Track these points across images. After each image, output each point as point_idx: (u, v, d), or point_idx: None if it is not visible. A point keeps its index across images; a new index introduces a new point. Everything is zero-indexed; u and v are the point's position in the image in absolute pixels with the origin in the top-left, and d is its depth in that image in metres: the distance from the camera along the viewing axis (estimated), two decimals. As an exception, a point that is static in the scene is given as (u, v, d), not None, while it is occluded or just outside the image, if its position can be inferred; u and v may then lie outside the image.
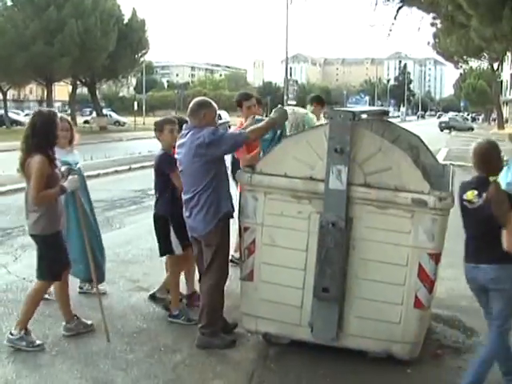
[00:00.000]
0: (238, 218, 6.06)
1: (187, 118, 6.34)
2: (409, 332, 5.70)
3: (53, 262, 6.14)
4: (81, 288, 7.72)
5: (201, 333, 6.18)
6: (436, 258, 5.58)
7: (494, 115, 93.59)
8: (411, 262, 5.56)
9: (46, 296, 6.74)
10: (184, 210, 6.24)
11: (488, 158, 5.28)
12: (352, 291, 5.75)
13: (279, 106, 6.66)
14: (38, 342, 6.13)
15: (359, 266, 5.70)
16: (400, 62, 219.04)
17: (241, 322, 6.32)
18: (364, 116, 6.93)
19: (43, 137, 5.97)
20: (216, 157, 5.99)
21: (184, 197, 6.23)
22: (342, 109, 6.14)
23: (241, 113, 7.83)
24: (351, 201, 5.59)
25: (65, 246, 6.31)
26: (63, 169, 6.43)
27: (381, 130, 7.43)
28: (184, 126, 6.29)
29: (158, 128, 6.96)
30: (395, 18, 36.24)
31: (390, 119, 9.00)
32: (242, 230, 6.02)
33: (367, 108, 17.80)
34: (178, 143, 6.27)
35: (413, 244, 5.53)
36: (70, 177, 6.25)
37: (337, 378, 5.64)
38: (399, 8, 36.21)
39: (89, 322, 6.52)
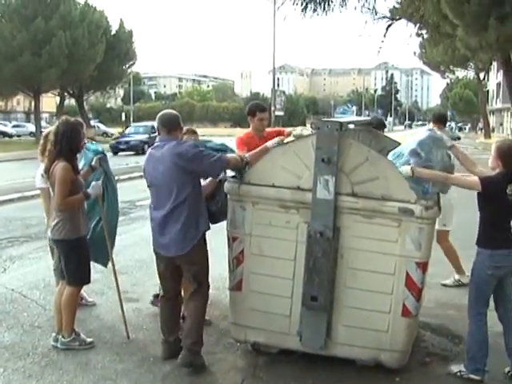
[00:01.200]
0: (227, 228, 6.08)
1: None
2: (397, 340, 5.74)
3: (78, 266, 6.36)
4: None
5: (191, 351, 5.93)
6: (423, 266, 5.63)
7: (481, 124, 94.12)
8: (398, 271, 5.60)
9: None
10: (156, 227, 6.02)
11: None
12: (340, 300, 5.78)
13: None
14: (88, 340, 6.49)
15: (347, 274, 5.74)
16: (387, 72, 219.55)
17: (230, 331, 6.32)
18: (351, 126, 6.98)
19: (66, 145, 6.18)
20: (196, 172, 5.89)
21: (158, 213, 5.98)
22: (329, 119, 6.18)
23: (251, 123, 7.49)
24: (339, 210, 5.64)
25: (88, 251, 6.48)
26: (94, 162, 6.71)
27: (368, 139, 7.50)
28: (158, 139, 6.12)
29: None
30: (385, 36, 36.78)
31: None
32: (230, 240, 6.04)
33: (354, 118, 17.84)
34: (148, 156, 6.12)
35: (400, 253, 5.57)
36: (93, 183, 6.49)
37: (325, 386, 5.68)
38: (389, 26, 36.80)
39: (88, 340, 6.52)
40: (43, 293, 8.19)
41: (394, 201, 5.52)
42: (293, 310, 5.88)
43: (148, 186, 6.12)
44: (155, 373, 5.87)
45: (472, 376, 5.77)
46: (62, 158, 6.13)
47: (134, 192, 16.83)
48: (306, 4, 30.76)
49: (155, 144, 6.10)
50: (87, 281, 6.51)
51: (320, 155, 5.56)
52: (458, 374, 5.85)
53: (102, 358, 6.17)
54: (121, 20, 62.28)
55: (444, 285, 8.77)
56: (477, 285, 5.80)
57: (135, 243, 9.78)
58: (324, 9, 30.12)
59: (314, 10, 31.37)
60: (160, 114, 6.21)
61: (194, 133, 7.31)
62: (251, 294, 5.98)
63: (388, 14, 36.21)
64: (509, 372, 5.85)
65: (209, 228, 6.06)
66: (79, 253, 6.35)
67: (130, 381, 5.65)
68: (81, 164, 6.75)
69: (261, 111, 7.43)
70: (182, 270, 6.06)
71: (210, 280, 6.07)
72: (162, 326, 6.29)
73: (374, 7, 33.19)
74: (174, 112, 6.36)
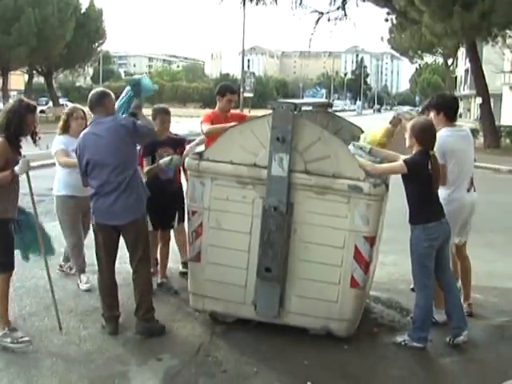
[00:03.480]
0: (186, 202, 6.39)
1: None
2: (345, 310, 6.07)
3: (1, 251, 5.93)
4: (60, 266, 8.05)
5: (144, 319, 6.25)
6: (371, 240, 5.96)
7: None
8: (348, 245, 5.93)
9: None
10: (101, 197, 6.16)
11: (434, 133, 6.13)
12: (293, 271, 6.10)
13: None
14: (24, 338, 5.92)
15: (300, 248, 6.05)
16: (357, 55, 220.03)
17: (188, 301, 6.60)
18: (308, 108, 7.30)
19: (8, 124, 5.96)
20: (138, 141, 6.30)
21: (107, 187, 6.08)
22: (285, 100, 6.48)
23: (219, 102, 7.85)
24: (292, 187, 5.94)
25: (13, 236, 6.06)
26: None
27: (325, 121, 7.82)
28: (93, 118, 6.34)
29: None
30: (314, 29, 37.96)
31: (345, 113, 9.33)
32: (190, 214, 6.33)
33: (311, 100, 18.06)
34: (85, 136, 6.26)
35: (349, 227, 5.90)
36: (20, 160, 5.96)
37: (278, 352, 5.99)
38: (318, 19, 38.05)
39: (24, 338, 5.94)
40: None
41: (344, 178, 5.83)
42: (248, 281, 6.18)
43: (85, 167, 6.19)
44: (117, 338, 6.16)
45: (415, 344, 6.14)
46: (2, 134, 5.96)
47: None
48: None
49: (90, 124, 6.38)
50: (10, 267, 6.01)
51: (275, 134, 5.85)
52: (403, 342, 6.22)
53: (66, 325, 6.41)
54: (91, -2, 61.85)
55: None
56: (417, 260, 6.17)
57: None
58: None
59: None
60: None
61: (168, 113, 7.60)
62: (209, 265, 6.27)
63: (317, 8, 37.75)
64: (450, 340, 6.23)
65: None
66: (1, 236, 5.94)
67: (92, 345, 5.93)
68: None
69: (231, 93, 7.88)
70: (118, 242, 6.36)
71: (171, 254, 6.35)
72: (102, 305, 6.43)
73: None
74: (96, 89, 6.59)
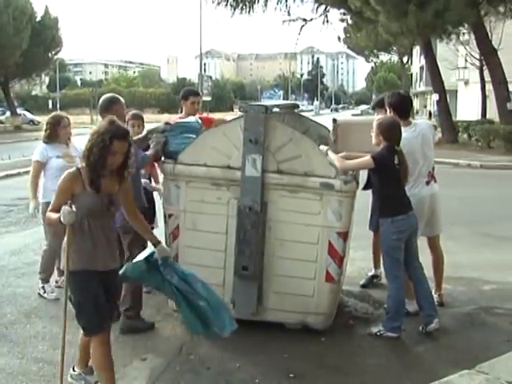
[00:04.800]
0: (163, 205, 6.53)
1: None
2: (322, 304, 6.28)
3: (79, 310, 4.82)
4: (56, 282, 7.97)
5: (125, 316, 6.44)
6: (344, 235, 6.18)
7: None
8: (322, 241, 6.13)
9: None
10: None
11: (400, 130, 6.36)
12: (269, 269, 6.29)
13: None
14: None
15: (275, 245, 6.24)
16: (313, 56, 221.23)
17: (167, 302, 6.72)
18: (276, 109, 7.48)
19: None
20: None
21: None
22: (256, 103, 6.66)
23: (184, 107, 8.04)
24: (266, 186, 6.13)
25: (96, 294, 4.77)
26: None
27: (292, 122, 8.00)
28: None
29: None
30: (299, 34, 39.53)
31: (303, 113, 9.56)
32: (166, 217, 6.47)
33: (279, 102, 18.38)
34: None
35: (322, 224, 6.11)
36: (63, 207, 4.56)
37: (259, 347, 6.15)
38: (302, 26, 39.57)
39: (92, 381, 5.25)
40: None
41: (316, 176, 6.04)
42: (226, 280, 6.35)
43: None
44: (100, 341, 6.27)
45: (390, 334, 6.36)
46: None
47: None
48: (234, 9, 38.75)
49: None
50: (96, 330, 4.83)
51: (248, 136, 6.04)
52: (378, 333, 6.43)
53: (50, 330, 6.53)
54: (46, 6, 61.15)
55: None
56: (387, 252, 6.41)
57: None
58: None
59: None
60: None
61: (139, 118, 7.63)
62: (187, 266, 6.33)
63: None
64: (422, 329, 6.46)
65: (143, 205, 6.52)
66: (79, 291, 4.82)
67: (77, 349, 6.03)
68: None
69: (194, 95, 8.08)
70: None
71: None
72: None
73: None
74: (107, 95, 6.77)
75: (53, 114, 8.16)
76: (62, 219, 4.41)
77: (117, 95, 6.78)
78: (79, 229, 4.67)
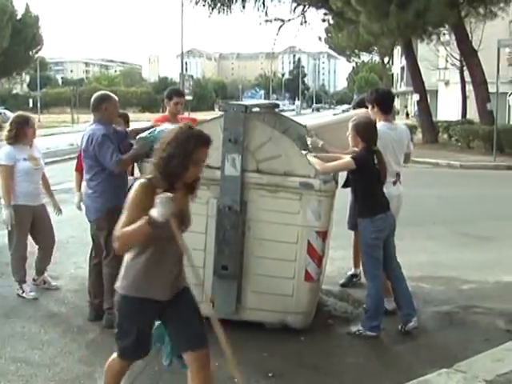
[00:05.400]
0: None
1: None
2: (301, 303, 6.29)
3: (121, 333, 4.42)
4: (34, 280, 7.93)
5: (108, 313, 6.46)
6: (323, 235, 6.20)
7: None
8: (301, 240, 6.15)
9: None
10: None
11: (376, 130, 6.41)
12: (249, 268, 6.29)
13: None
14: None
15: (254, 245, 6.24)
16: (294, 56, 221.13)
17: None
18: (256, 109, 7.49)
19: None
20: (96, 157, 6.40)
21: (85, 176, 6.68)
22: (236, 102, 6.66)
23: (167, 106, 8.12)
24: (245, 186, 6.14)
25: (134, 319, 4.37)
26: None
27: (272, 121, 8.00)
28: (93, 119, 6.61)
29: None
30: (277, 34, 40.16)
31: (284, 112, 9.58)
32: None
33: (259, 101, 18.43)
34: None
35: (302, 223, 6.12)
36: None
37: (238, 346, 6.10)
38: (280, 26, 40.03)
39: None
40: None
41: (295, 176, 6.05)
42: (206, 279, 6.32)
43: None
44: (79, 341, 6.26)
45: (369, 333, 6.39)
46: None
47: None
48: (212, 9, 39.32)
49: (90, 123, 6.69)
50: (126, 355, 4.55)
51: (227, 136, 6.04)
52: (357, 332, 6.46)
53: (28, 330, 6.50)
54: (27, 4, 61.00)
55: None
56: (366, 251, 6.45)
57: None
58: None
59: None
60: None
61: (124, 117, 7.64)
62: (167, 265, 6.41)
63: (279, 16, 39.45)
64: (401, 327, 6.49)
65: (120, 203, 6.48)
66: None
67: (55, 349, 6.02)
68: None
69: (178, 96, 8.12)
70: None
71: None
72: (89, 289, 6.87)
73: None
74: (98, 93, 6.87)
75: (17, 113, 7.84)
76: (156, 214, 3.75)
77: (109, 93, 6.82)
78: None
